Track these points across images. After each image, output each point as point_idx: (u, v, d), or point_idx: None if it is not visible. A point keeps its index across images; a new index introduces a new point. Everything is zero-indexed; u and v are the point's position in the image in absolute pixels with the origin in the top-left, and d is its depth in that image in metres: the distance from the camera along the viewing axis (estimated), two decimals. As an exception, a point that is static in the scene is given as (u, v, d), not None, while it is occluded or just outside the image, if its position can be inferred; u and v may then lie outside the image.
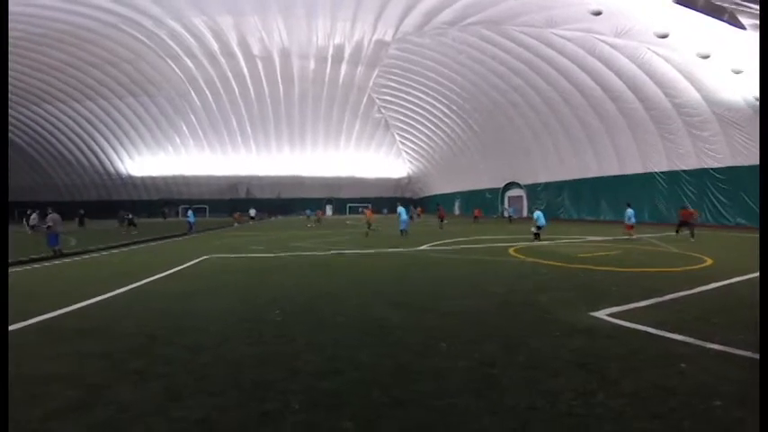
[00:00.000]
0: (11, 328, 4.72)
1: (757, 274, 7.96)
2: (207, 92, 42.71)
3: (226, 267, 9.89)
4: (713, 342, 4.00)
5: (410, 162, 58.73)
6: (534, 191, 37.28)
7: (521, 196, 39.47)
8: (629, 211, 16.21)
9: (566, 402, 2.91)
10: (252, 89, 42.45)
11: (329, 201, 61.63)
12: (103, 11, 27.51)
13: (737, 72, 19.70)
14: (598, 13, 20.85)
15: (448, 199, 50.73)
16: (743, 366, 3.48)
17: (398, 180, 62.88)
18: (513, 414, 2.78)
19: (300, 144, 53.98)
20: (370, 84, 41.51)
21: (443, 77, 35.20)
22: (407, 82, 38.64)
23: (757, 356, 3.62)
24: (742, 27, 16.86)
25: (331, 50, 35.10)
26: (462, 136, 42.94)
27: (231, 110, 46.32)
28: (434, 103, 40.48)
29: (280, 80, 40.85)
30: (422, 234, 19.61)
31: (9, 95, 39.90)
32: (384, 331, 4.64)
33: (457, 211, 49.66)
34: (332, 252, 12.72)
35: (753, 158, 20.68)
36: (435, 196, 54.52)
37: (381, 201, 60.91)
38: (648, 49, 21.95)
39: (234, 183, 58.14)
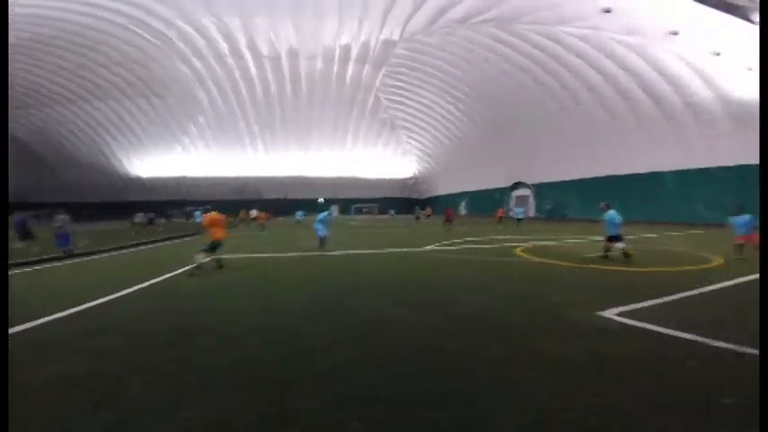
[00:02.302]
0: (24, 327, 4.83)
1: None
2: (215, 92, 43.24)
3: (235, 266, 9.98)
4: (720, 340, 3.99)
5: (416, 162, 58.75)
6: (541, 190, 37.11)
7: (527, 196, 39.28)
8: (743, 218, 10.02)
9: (580, 400, 2.96)
10: (260, 89, 42.84)
11: (332, 201, 61.99)
12: (114, 12, 27.92)
13: (750, 69, 19.52)
14: (608, 11, 20.74)
15: (455, 199, 50.64)
16: (751, 364, 3.46)
17: (404, 180, 63.05)
18: (527, 413, 2.81)
19: (307, 144, 54.43)
20: (377, 83, 41.63)
21: (451, 76, 35.23)
22: (415, 81, 38.72)
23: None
24: (750, 21, 16.61)
25: (338, 50, 35.33)
26: (471, 135, 42.88)
27: (239, 110, 46.80)
28: (442, 102, 40.50)
29: (288, 80, 41.22)
30: (427, 235, 19.65)
31: (20, 98, 40.62)
32: (391, 330, 4.68)
33: (463, 211, 49.55)
34: (338, 252, 12.79)
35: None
36: (442, 196, 54.49)
37: (388, 201, 61.17)
38: (661, 47, 21.83)
39: (242, 183, 58.69)
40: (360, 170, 59.64)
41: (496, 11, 25.05)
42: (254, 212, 32.14)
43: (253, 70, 38.94)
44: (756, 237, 9.69)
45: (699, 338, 4.11)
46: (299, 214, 34.91)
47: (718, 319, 4.90)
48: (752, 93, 20.20)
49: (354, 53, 35.62)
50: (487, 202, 43.71)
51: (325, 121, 49.60)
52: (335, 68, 38.68)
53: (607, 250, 10.04)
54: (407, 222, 35.14)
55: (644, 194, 26.99)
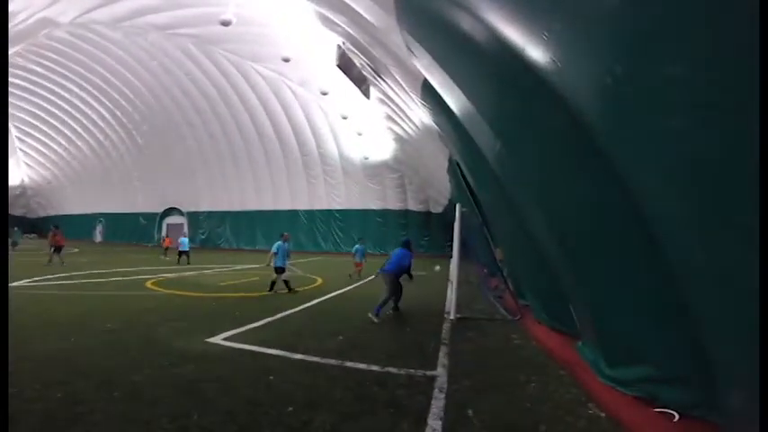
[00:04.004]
0: None
1: (346, 289, 10.69)
2: None
3: None
4: (297, 352, 4.78)
5: (29, 168, 43.66)
6: (196, 219, 36.07)
7: (181, 224, 37.04)
8: (361, 248, 13.54)
9: (160, 427, 2.85)
10: None
11: None
12: None
13: (360, 134, 26.26)
14: (287, 60, 21.51)
15: (86, 221, 40.91)
16: (315, 370, 4.27)
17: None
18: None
19: None
20: (-5, 55, 28.12)
21: (119, 78, 29.05)
22: (65, 72, 29.08)
23: (313, 359, 4.64)
24: (367, 98, 21.57)
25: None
26: (120, 148, 36.37)
27: None
28: (94, 103, 32.53)
29: None
30: (27, 266, 14.47)
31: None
32: None
33: (98, 238, 40.70)
34: None
35: (359, 204, 28.85)
36: (69, 216, 42.57)
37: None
38: (317, 102, 25.92)
39: None
40: None
41: (199, 29, 22.91)
42: None
43: None
44: (362, 264, 13.18)
45: (281, 353, 4.80)
46: None
47: (300, 333, 5.95)
48: (358, 153, 27.76)
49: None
50: (133, 229, 37.96)
51: None
52: None
53: (275, 281, 9.58)
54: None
55: (284, 228, 31.29)
